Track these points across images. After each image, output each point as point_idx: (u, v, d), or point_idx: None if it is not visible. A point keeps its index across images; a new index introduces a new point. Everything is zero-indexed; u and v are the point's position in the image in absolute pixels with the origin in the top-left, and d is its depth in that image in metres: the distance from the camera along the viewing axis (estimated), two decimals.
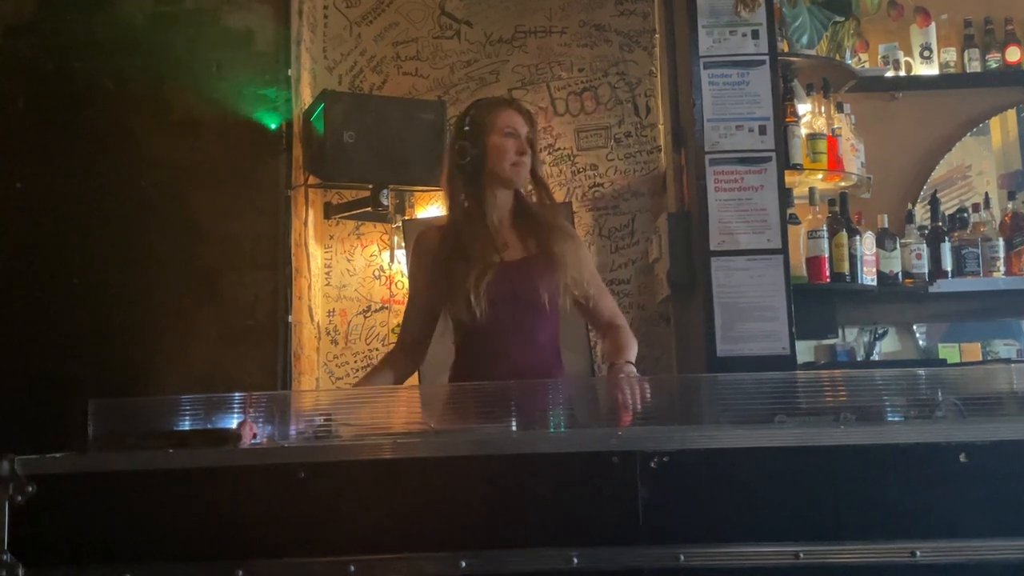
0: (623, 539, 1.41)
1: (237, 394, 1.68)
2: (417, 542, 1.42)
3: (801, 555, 1.38)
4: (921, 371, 1.69)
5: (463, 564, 1.39)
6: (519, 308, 2.09)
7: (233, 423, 1.68)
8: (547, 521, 1.42)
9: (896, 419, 1.68)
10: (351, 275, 3.57)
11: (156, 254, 2.97)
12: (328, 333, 3.51)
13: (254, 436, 1.62)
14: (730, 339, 2.92)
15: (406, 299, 2.25)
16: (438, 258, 2.11)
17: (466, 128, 2.12)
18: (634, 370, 2.06)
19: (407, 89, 3.56)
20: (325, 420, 1.73)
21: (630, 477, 1.43)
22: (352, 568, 1.40)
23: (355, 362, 3.48)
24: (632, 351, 2.13)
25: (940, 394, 1.70)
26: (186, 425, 1.72)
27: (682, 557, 1.38)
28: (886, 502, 1.39)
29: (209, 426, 1.69)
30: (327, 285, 3.56)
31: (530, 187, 2.22)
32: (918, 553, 1.36)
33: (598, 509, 1.43)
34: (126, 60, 3.06)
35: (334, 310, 3.55)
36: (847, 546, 1.42)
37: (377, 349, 3.48)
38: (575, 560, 1.38)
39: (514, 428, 1.68)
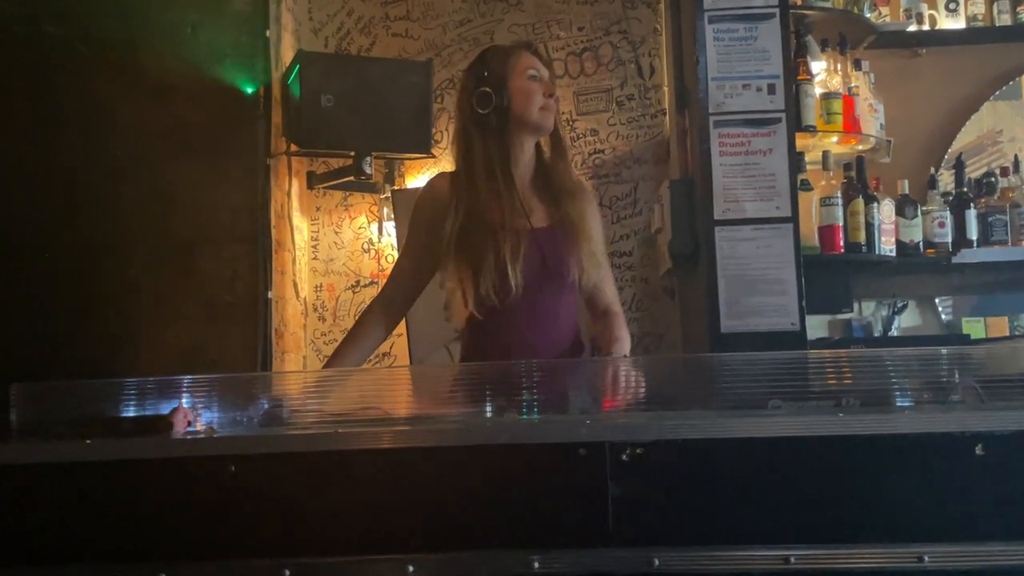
0: (590, 541, 1.28)
1: (173, 378, 1.53)
2: (359, 544, 1.30)
3: (792, 559, 1.23)
4: (935, 349, 1.50)
5: (410, 569, 1.28)
6: (547, 284, 1.89)
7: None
8: (504, 521, 1.30)
9: (906, 404, 1.50)
10: (339, 248, 3.42)
11: (129, 227, 2.83)
12: (316, 309, 3.37)
13: (188, 424, 1.48)
14: (735, 314, 2.73)
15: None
16: (448, 215, 1.89)
17: (485, 75, 1.91)
18: None
19: (397, 51, 3.38)
20: (273, 407, 1.58)
21: (598, 471, 1.29)
22: (287, 572, 1.28)
23: None
24: (626, 345, 1.94)
25: (957, 375, 1.52)
26: (130, 411, 1.58)
27: (657, 562, 1.25)
28: (890, 500, 1.24)
29: (148, 412, 1.55)
30: (314, 259, 3.41)
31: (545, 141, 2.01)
32: (926, 558, 1.21)
33: (562, 507, 1.30)
34: (98, 23, 2.90)
35: (321, 285, 3.40)
36: (845, 550, 1.27)
37: None
38: (536, 564, 1.25)
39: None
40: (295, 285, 3.24)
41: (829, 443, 1.29)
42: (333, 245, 3.42)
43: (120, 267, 2.80)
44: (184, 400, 1.51)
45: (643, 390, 1.50)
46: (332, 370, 1.86)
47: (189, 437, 1.42)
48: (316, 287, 3.40)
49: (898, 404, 1.51)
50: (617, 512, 1.27)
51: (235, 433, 1.47)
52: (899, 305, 3.21)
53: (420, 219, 1.97)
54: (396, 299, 1.99)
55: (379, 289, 3.27)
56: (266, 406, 1.58)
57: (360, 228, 3.41)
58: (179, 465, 1.33)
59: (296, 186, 3.26)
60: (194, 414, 1.51)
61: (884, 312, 3.23)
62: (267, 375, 1.65)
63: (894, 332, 3.18)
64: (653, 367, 1.58)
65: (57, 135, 2.86)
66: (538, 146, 1.99)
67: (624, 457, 1.30)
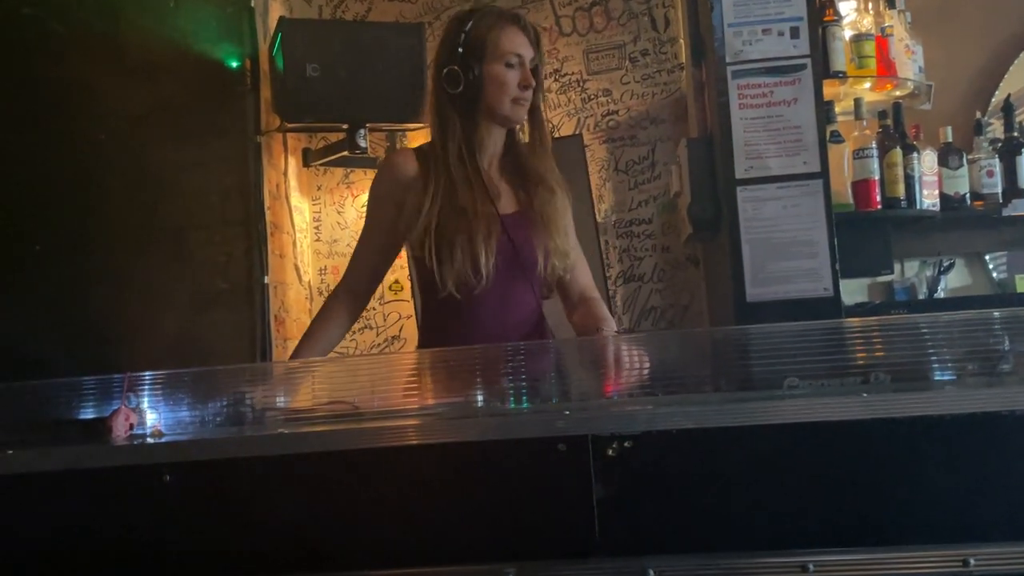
0: (573, 549, 1.12)
1: (115, 376, 1.38)
2: (305, 559, 1.15)
3: (811, 567, 1.07)
4: (982, 312, 1.28)
5: None
6: (516, 270, 1.74)
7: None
8: (476, 529, 1.15)
9: (946, 378, 1.29)
10: (342, 228, 3.26)
11: (118, 213, 2.69)
12: (321, 293, 3.22)
13: (131, 427, 1.33)
14: (761, 281, 2.52)
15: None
16: (415, 190, 1.74)
17: (460, 50, 1.72)
18: None
19: (395, 16, 3.19)
20: (233, 404, 1.43)
21: (582, 469, 1.14)
22: None
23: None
24: (611, 325, 1.76)
25: (1007, 342, 1.32)
26: (90, 412, 1.44)
27: (651, 572, 1.09)
28: (927, 494, 1.06)
29: (93, 415, 1.41)
30: (317, 241, 3.25)
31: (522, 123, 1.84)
32: (971, 561, 1.03)
33: (541, 512, 1.15)
34: (76, 1, 2.76)
35: (325, 268, 3.25)
36: (873, 555, 1.10)
37: (374, 308, 3.18)
38: None
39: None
40: (297, 269, 3.09)
41: (852, 428, 1.11)
42: (336, 225, 3.27)
43: (107, 255, 2.66)
44: (129, 401, 1.37)
45: (629, 373, 1.31)
46: (297, 361, 1.70)
47: (125, 443, 1.27)
48: (320, 270, 3.25)
49: (937, 379, 1.30)
50: (604, 516, 1.11)
51: (183, 437, 1.32)
52: (945, 264, 2.97)
53: (384, 197, 1.81)
54: (362, 283, 1.85)
55: None
56: (226, 403, 1.45)
57: (363, 207, 3.22)
58: (105, 475, 1.18)
59: (293, 164, 3.10)
60: (139, 415, 1.37)
61: (929, 272, 2.99)
62: (228, 369, 1.50)
63: (940, 293, 2.94)
64: (645, 344, 1.38)
65: (42, 123, 2.73)
66: (512, 131, 1.83)
67: (610, 452, 1.14)
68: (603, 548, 1.11)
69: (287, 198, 3.03)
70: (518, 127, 1.83)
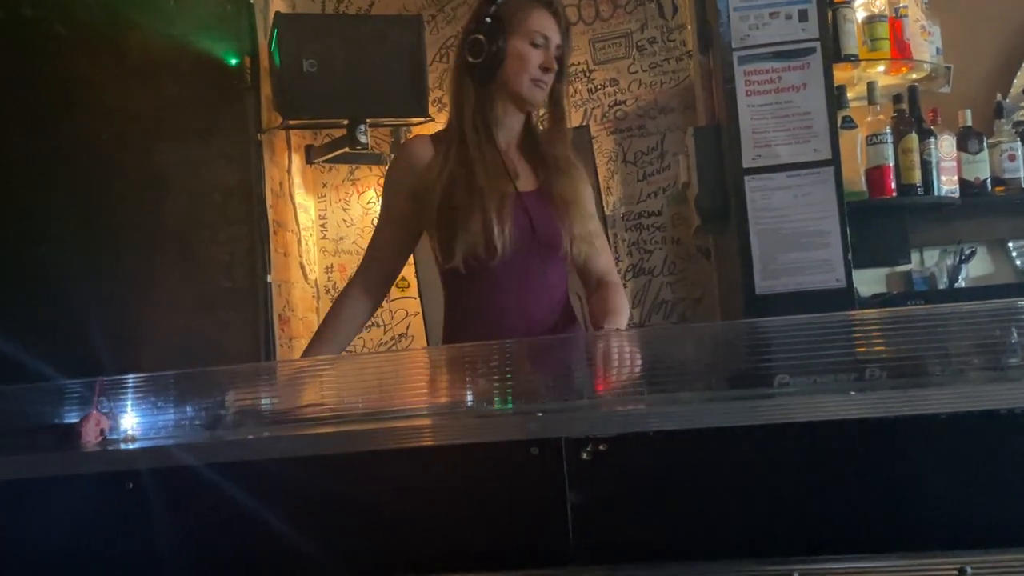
0: (547, 559, 1.06)
1: (88, 380, 1.36)
2: (269, 566, 1.09)
3: (797, 575, 1.00)
4: (984, 303, 1.21)
5: None
6: (537, 249, 1.71)
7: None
8: (443, 538, 1.10)
9: (947, 374, 1.22)
10: (348, 226, 3.22)
11: (122, 214, 2.68)
12: (328, 292, 3.19)
13: (102, 433, 1.30)
14: (771, 273, 2.44)
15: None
16: (431, 175, 1.71)
17: (487, 19, 1.70)
18: None
19: (399, 8, 3.14)
20: (215, 408, 1.40)
21: (554, 474, 1.09)
22: None
23: None
24: (623, 317, 1.71)
25: (1015, 334, 1.24)
26: (72, 417, 1.42)
27: None
28: (922, 498, 1.00)
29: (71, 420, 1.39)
30: (323, 239, 3.23)
31: (543, 111, 1.81)
32: (969, 570, 0.97)
33: (512, 519, 1.11)
34: (78, 2, 2.75)
35: (332, 266, 3.22)
36: (863, 563, 1.03)
37: (381, 306, 3.14)
38: None
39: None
40: (302, 267, 3.07)
41: (841, 428, 1.05)
42: (342, 223, 3.23)
43: (115, 257, 2.66)
44: (102, 406, 1.34)
45: (613, 373, 1.26)
46: (282, 361, 1.67)
47: (91, 449, 1.24)
48: (327, 268, 3.22)
49: (937, 374, 1.23)
50: (578, 523, 1.05)
51: (156, 442, 1.29)
52: (966, 252, 2.86)
53: (399, 185, 1.78)
54: (378, 276, 1.81)
55: None
56: (203, 407, 1.42)
57: (369, 203, 3.21)
58: (67, 483, 1.15)
59: (297, 162, 3.07)
60: (112, 420, 1.34)
61: (949, 261, 2.88)
62: (212, 371, 1.47)
63: (961, 283, 2.83)
64: (636, 341, 1.33)
65: (46, 125, 2.72)
66: (530, 115, 1.79)
67: (584, 456, 1.09)
68: (578, 557, 1.06)
69: (291, 196, 3.00)
70: (537, 115, 1.80)
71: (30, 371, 2.39)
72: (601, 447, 1.08)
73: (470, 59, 1.70)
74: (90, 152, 2.65)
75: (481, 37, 1.68)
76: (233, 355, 2.66)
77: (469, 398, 1.23)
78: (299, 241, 3.05)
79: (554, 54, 1.71)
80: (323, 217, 3.24)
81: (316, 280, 3.17)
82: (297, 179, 3.08)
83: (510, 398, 1.19)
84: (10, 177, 2.62)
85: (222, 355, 2.64)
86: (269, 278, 2.72)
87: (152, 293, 2.63)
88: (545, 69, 1.69)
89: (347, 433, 1.17)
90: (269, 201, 2.79)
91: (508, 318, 1.69)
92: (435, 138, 1.78)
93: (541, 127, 1.82)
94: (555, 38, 1.71)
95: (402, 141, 3.03)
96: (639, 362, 1.32)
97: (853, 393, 1.09)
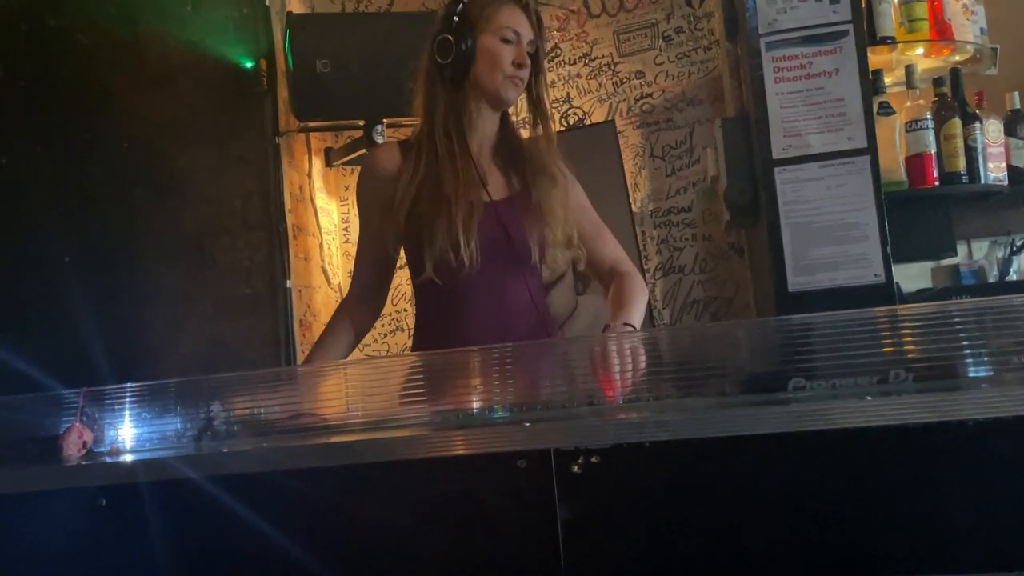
0: None
1: (69, 392, 1.32)
2: None
3: None
4: (1019, 297, 1.10)
5: None
6: (509, 258, 1.64)
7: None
8: (427, 554, 1.04)
9: (980, 375, 1.11)
10: None
11: (142, 221, 2.67)
12: None
13: (85, 445, 1.25)
14: (804, 269, 2.32)
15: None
16: (399, 184, 1.65)
17: (455, 18, 1.64)
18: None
19: (419, 5, 3.08)
20: (204, 418, 1.35)
21: (543, 489, 1.02)
22: None
23: (382, 326, 3.09)
24: (636, 309, 1.62)
25: None
26: (61, 428, 1.38)
27: None
28: (947, 515, 0.91)
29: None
30: (346, 243, 3.18)
31: (525, 114, 1.73)
32: None
33: (499, 535, 1.04)
34: (98, 8, 2.75)
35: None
36: None
37: (405, 310, 3.09)
38: None
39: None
40: (324, 272, 3.02)
41: (855, 437, 0.95)
42: None
43: (136, 264, 2.65)
44: (86, 418, 1.30)
45: (613, 377, 1.17)
46: (257, 372, 1.61)
47: (71, 463, 1.20)
48: (350, 272, 3.17)
49: (969, 376, 1.12)
50: (568, 539, 0.98)
51: (140, 455, 1.24)
52: (1018, 244, 2.70)
53: (369, 196, 1.73)
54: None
55: None
56: (196, 417, 1.37)
57: None
58: (41, 500, 1.11)
59: (317, 165, 3.03)
60: (96, 432, 1.30)
61: (1000, 253, 2.72)
62: (199, 380, 1.42)
63: (1012, 276, 2.67)
64: (634, 344, 1.24)
65: (69, 134, 2.73)
66: (505, 115, 1.72)
67: (576, 469, 1.01)
68: (568, 575, 0.98)
69: (312, 199, 2.96)
70: (520, 119, 1.73)
71: (36, 381, 2.38)
72: (593, 459, 0.99)
73: (439, 59, 1.63)
74: (108, 159, 2.64)
75: (449, 37, 1.62)
76: (252, 361, 2.62)
77: (452, 407, 1.15)
78: (321, 245, 3.01)
79: (527, 50, 1.64)
80: (346, 220, 3.20)
81: (339, 284, 3.13)
82: (318, 182, 3.04)
83: (497, 407, 1.12)
84: (30, 184, 2.63)
85: (241, 361, 2.61)
86: (289, 283, 2.68)
87: (171, 300, 2.61)
88: (519, 65, 1.62)
89: (328, 446, 1.11)
90: (288, 205, 2.76)
91: (481, 331, 1.61)
92: (403, 145, 1.72)
93: (525, 132, 1.74)
94: (527, 33, 1.64)
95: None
96: (640, 365, 1.24)
97: (869, 398, 0.98)
